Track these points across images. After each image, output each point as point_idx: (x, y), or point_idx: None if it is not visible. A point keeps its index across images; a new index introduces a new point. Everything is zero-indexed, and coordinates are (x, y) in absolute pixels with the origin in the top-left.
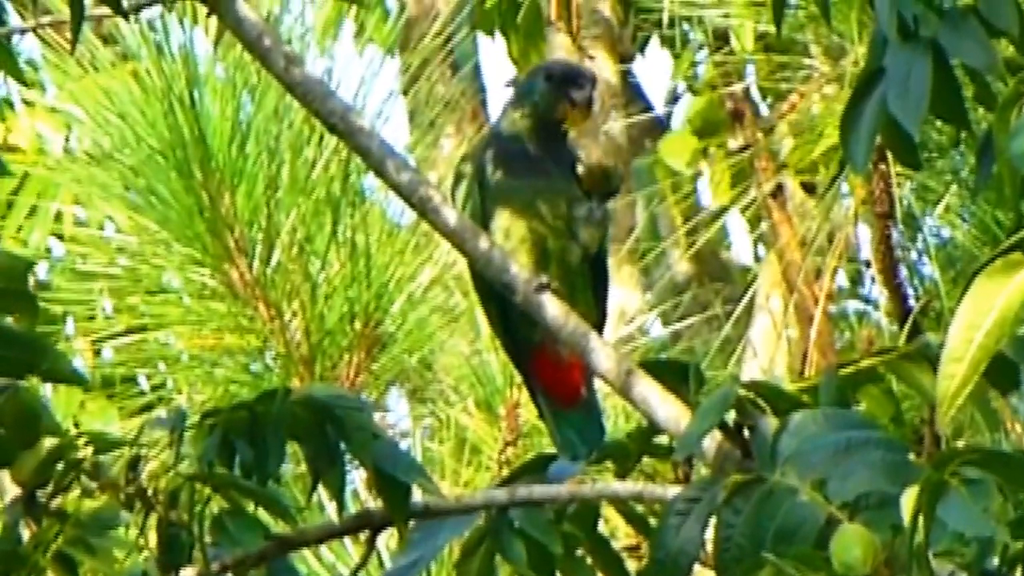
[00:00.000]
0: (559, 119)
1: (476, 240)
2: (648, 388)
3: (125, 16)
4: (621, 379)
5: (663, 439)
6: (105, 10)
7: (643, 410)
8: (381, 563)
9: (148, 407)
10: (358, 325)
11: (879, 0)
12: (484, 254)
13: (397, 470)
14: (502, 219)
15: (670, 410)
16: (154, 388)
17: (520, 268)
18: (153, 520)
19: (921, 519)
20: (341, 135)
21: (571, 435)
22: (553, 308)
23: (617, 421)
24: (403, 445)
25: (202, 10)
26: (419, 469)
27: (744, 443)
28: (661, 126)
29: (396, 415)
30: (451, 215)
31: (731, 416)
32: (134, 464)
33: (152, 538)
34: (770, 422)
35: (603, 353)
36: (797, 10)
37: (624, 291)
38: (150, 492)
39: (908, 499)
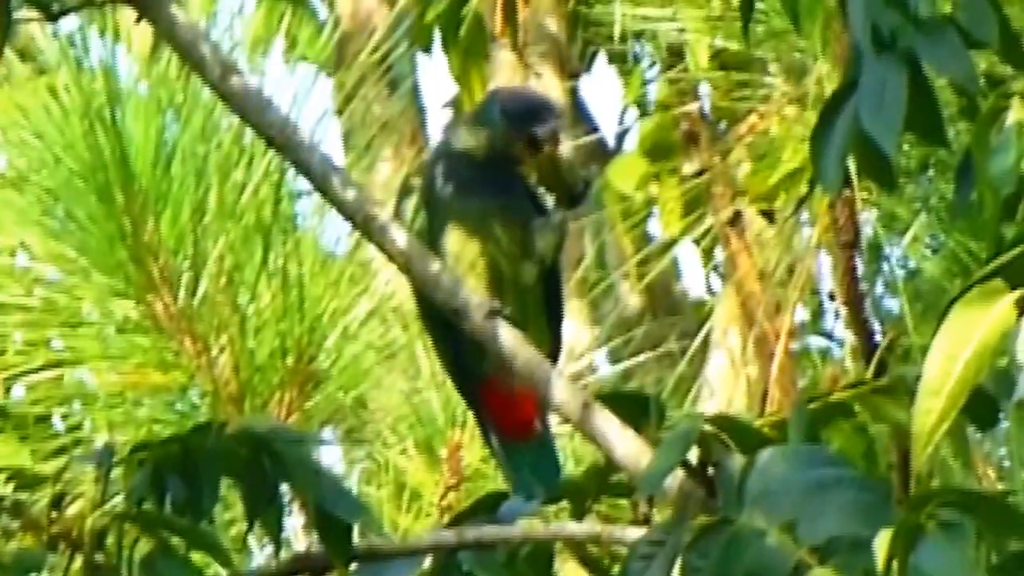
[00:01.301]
0: (517, 159)
1: (425, 262)
2: (606, 422)
3: (54, 19)
4: (578, 412)
5: (622, 476)
6: (26, 15)
7: (601, 445)
8: None
9: (63, 449)
10: (290, 361)
11: (853, 9)
12: (433, 277)
13: (339, 509)
14: (452, 241)
15: (629, 446)
16: (71, 428)
17: (471, 293)
18: (79, 562)
19: (896, 564)
20: (280, 149)
21: (525, 472)
22: (507, 336)
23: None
24: None
25: (124, 23)
26: (362, 508)
27: (708, 482)
28: (609, 149)
29: (330, 457)
30: (399, 235)
31: (694, 454)
32: (57, 502)
33: None
34: (736, 460)
35: (559, 385)
36: (756, 25)
37: (572, 326)
38: (75, 532)
39: (882, 543)
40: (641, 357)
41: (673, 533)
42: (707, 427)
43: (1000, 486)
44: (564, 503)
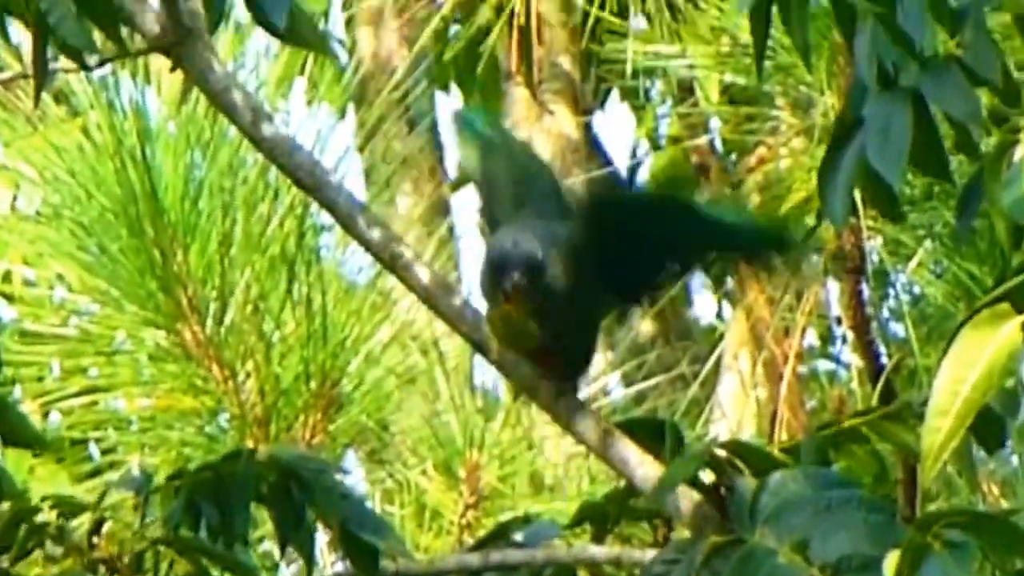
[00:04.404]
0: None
1: (448, 297)
2: (626, 449)
3: (88, 70)
4: (598, 440)
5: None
6: (62, 64)
7: (621, 471)
8: None
9: (98, 471)
10: (314, 385)
11: (859, 47)
12: (457, 311)
13: (366, 531)
14: None
15: (648, 471)
16: (105, 452)
17: None
18: None
19: None
20: (308, 190)
21: None
22: (527, 367)
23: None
24: None
25: (154, 66)
26: (389, 530)
27: (723, 504)
28: (623, 182)
29: (353, 478)
30: (423, 272)
31: (709, 476)
32: (98, 528)
33: None
34: (748, 482)
35: (580, 415)
36: (764, 60)
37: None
38: (115, 556)
39: (890, 562)
40: (654, 381)
41: (687, 552)
42: (721, 451)
43: (1004, 503)
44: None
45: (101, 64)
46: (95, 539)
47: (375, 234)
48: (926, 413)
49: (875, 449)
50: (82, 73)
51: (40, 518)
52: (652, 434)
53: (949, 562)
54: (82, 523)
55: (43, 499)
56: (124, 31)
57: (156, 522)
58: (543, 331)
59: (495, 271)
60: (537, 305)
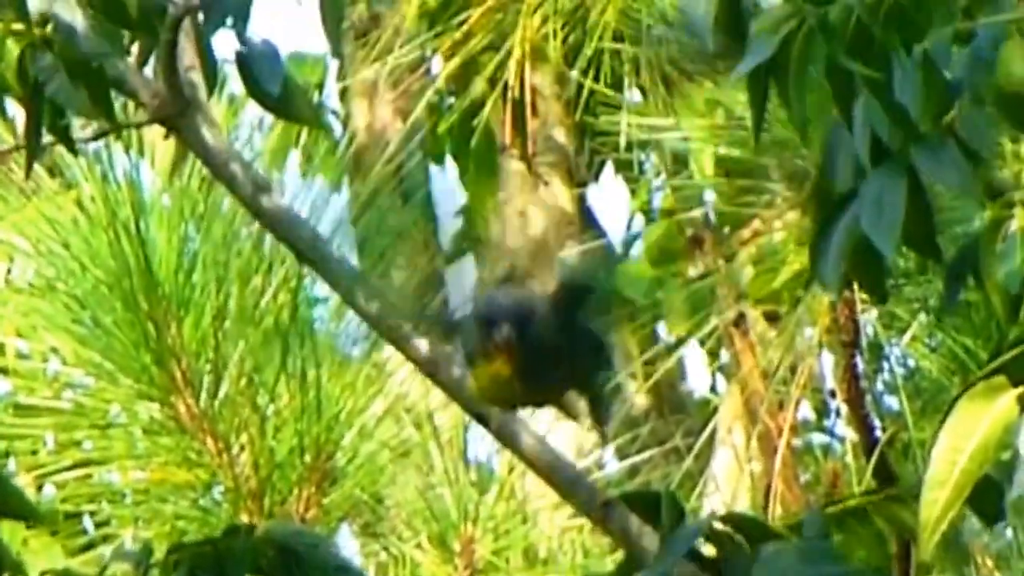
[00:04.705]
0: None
1: (448, 368)
2: (626, 519)
3: (74, 152)
4: (599, 511)
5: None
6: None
7: (622, 542)
8: None
9: (92, 545)
10: (308, 458)
11: (856, 120)
12: (457, 382)
13: None
14: None
15: (649, 541)
16: (98, 525)
17: None
18: None
19: None
20: (310, 263)
21: None
22: (528, 438)
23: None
24: None
25: (147, 137)
26: None
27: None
28: (617, 254)
29: (348, 551)
30: (422, 344)
31: (709, 549)
32: None
33: None
34: (748, 556)
35: (581, 485)
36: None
37: (580, 424)
38: None
39: None
40: (647, 454)
41: None
42: (720, 524)
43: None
44: None
45: (99, 137)
46: None
47: (374, 307)
48: (923, 485)
49: (878, 530)
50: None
51: None
52: (650, 505)
53: None
54: None
55: (43, 573)
56: (121, 102)
57: None
58: (527, 388)
59: (485, 324)
60: (524, 359)
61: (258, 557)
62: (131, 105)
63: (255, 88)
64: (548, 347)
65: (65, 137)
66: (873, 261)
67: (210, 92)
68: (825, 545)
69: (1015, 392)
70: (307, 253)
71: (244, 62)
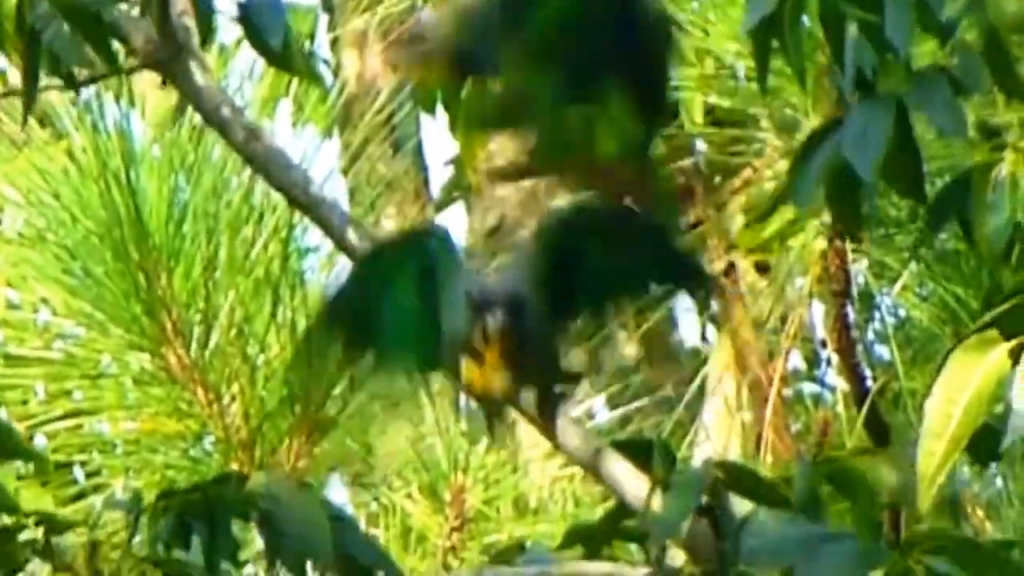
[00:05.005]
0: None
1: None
2: (618, 467)
3: (77, 89)
4: (590, 457)
5: (633, 522)
6: (49, 83)
7: (613, 490)
8: None
9: (83, 495)
10: (299, 409)
11: (847, 54)
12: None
13: (359, 554)
14: None
15: (640, 489)
16: (89, 475)
17: None
18: None
19: None
20: (302, 207)
21: None
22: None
23: None
24: None
25: (138, 87)
26: (381, 553)
27: (716, 523)
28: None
29: (339, 501)
30: None
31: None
32: (93, 548)
33: None
34: (741, 503)
35: (571, 431)
36: (750, 82)
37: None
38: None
39: None
40: (638, 403)
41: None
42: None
43: (988, 527)
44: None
45: (93, 81)
46: (88, 558)
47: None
48: (920, 437)
49: (869, 487)
50: (66, 95)
51: (26, 535)
52: (643, 453)
53: None
54: (67, 540)
55: (27, 515)
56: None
57: (144, 542)
58: (516, 382)
59: (476, 312)
60: (514, 351)
61: (248, 506)
62: (123, 55)
63: (257, 39)
64: (540, 338)
65: (69, 80)
66: (851, 188)
67: (203, 40)
68: (815, 511)
69: (1007, 346)
70: (299, 198)
71: (247, 13)
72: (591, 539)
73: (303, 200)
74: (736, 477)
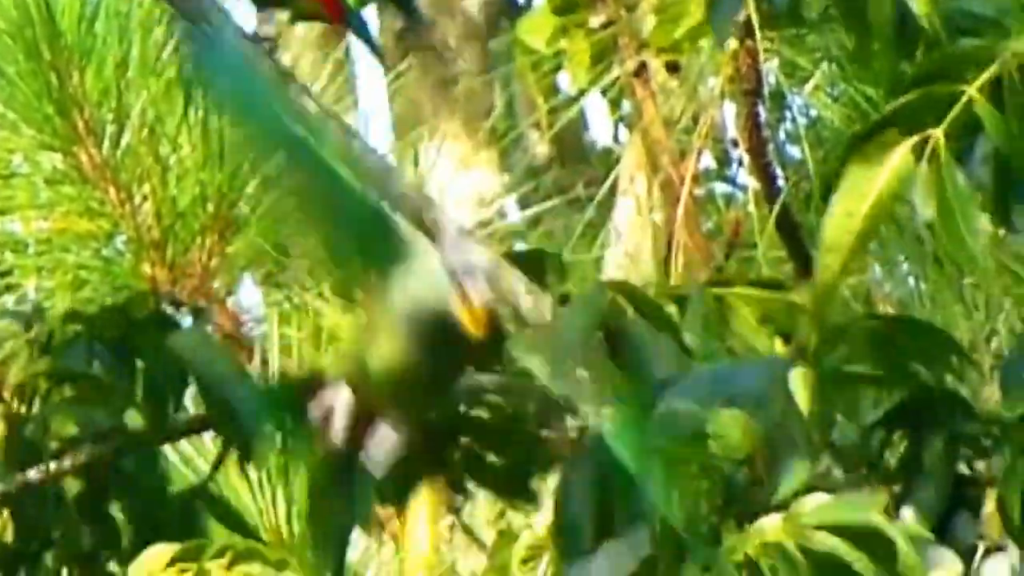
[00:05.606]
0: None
1: None
2: (514, 280)
3: None
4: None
5: None
6: None
7: (510, 303)
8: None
9: None
10: (211, 208)
11: None
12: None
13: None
14: None
15: (535, 302)
16: (1, 275)
17: None
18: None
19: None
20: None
21: None
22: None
23: None
24: (258, 331)
25: None
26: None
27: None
28: (519, 4)
29: (251, 300)
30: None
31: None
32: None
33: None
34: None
35: (468, 246)
36: None
37: (482, 174)
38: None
39: (797, 380)
40: (550, 203)
41: None
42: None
43: None
44: None
45: None
46: None
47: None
48: (818, 250)
49: (767, 315)
50: None
51: None
52: (537, 265)
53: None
54: None
55: None
56: None
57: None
58: None
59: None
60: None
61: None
62: None
63: None
64: None
65: None
66: None
67: None
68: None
69: (909, 143)
70: None
71: None
72: None
73: None
74: (632, 299)
